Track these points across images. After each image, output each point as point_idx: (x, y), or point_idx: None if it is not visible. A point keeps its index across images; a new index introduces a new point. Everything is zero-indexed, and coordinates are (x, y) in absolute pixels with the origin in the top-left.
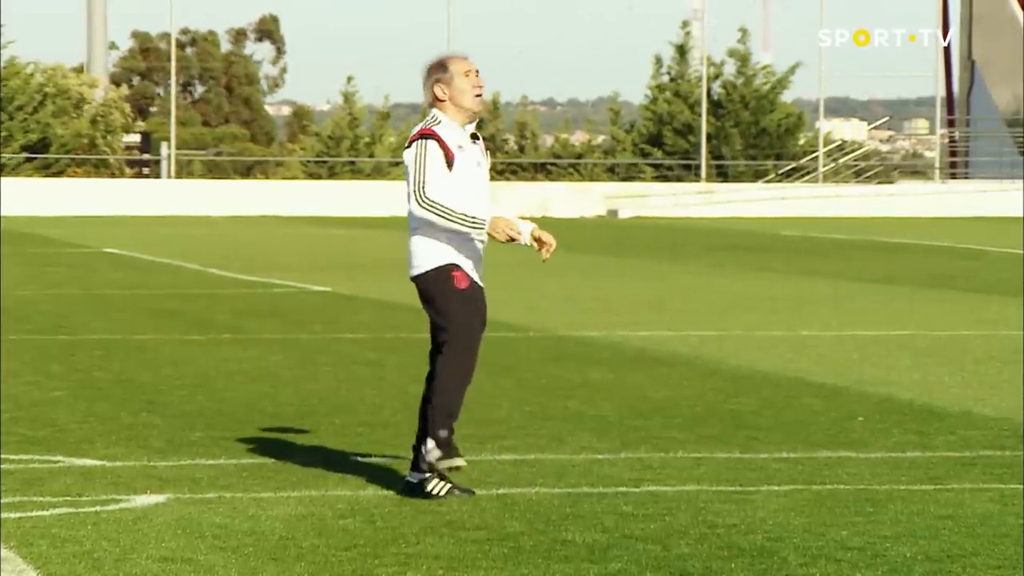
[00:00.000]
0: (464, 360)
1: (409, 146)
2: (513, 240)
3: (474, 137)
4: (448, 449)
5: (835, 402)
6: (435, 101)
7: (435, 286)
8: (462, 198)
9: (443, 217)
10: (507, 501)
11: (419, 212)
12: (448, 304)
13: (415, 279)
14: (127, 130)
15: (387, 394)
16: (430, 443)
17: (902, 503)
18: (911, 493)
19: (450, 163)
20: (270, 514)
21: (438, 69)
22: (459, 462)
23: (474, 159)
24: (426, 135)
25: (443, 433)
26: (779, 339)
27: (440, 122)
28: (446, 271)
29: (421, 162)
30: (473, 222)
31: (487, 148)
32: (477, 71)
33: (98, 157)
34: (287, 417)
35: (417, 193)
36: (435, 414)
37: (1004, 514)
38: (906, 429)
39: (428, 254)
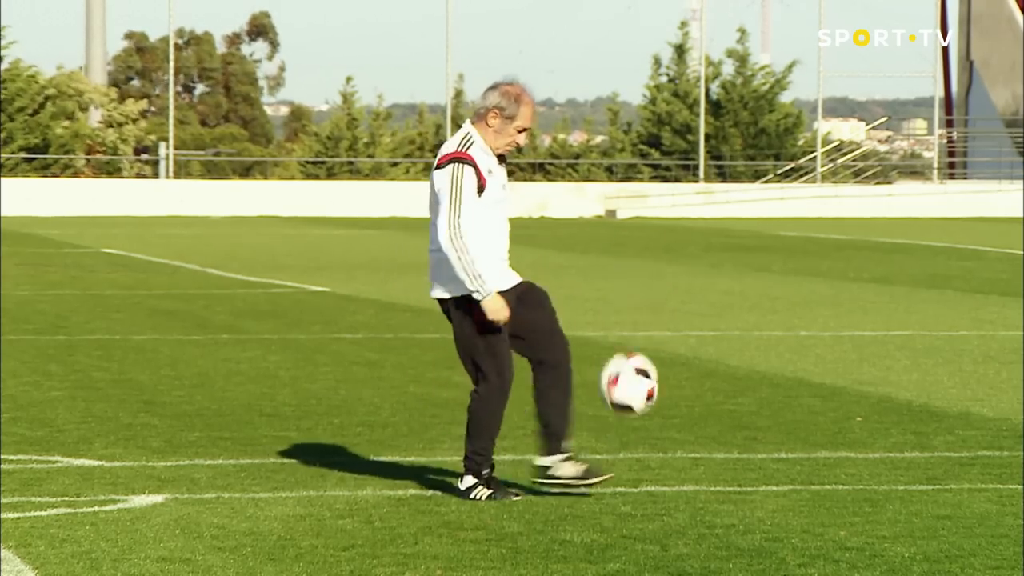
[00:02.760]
0: (500, 397)
1: (442, 167)
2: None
3: (501, 159)
4: (497, 487)
5: (834, 402)
6: (480, 120)
7: (462, 317)
8: (489, 224)
9: (460, 261)
10: (505, 501)
11: (445, 242)
12: (477, 341)
13: (439, 301)
14: (140, 141)
15: (386, 394)
16: (469, 479)
17: (901, 503)
18: (910, 493)
19: (481, 188)
20: (268, 514)
21: (510, 102)
22: (516, 498)
23: (500, 182)
24: (462, 159)
25: (486, 472)
26: (778, 339)
27: (473, 143)
28: (475, 302)
29: (458, 189)
30: (479, 285)
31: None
32: (529, 131)
33: (96, 158)
34: (286, 417)
35: (452, 224)
36: (474, 456)
37: (1003, 514)
38: (905, 429)
39: (455, 279)
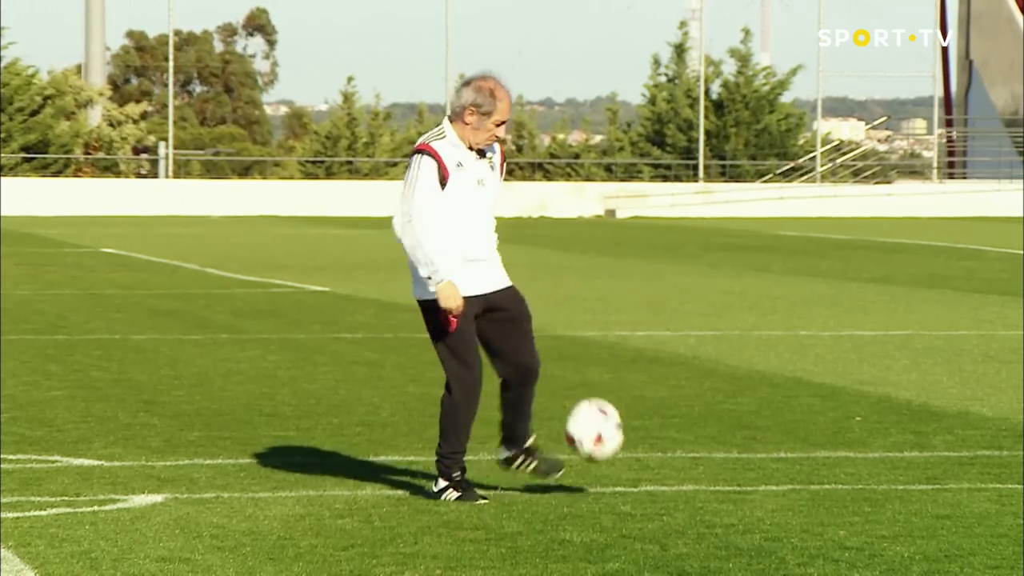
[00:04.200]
0: (465, 401)
1: (411, 156)
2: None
3: (480, 153)
4: (467, 490)
5: (833, 402)
6: (457, 119)
7: (429, 320)
8: (450, 219)
9: (412, 249)
10: (505, 501)
11: (396, 231)
12: (440, 344)
13: (416, 299)
14: (140, 141)
15: (385, 394)
16: (441, 482)
17: (900, 503)
18: (909, 493)
19: (443, 181)
20: (268, 514)
21: (485, 97)
22: (481, 502)
23: (474, 177)
24: (423, 151)
25: (457, 475)
26: (777, 339)
27: (444, 136)
28: (441, 309)
29: (413, 182)
30: (431, 271)
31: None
32: (505, 124)
33: (96, 157)
34: (285, 417)
35: (403, 213)
36: (444, 459)
37: (1002, 514)
38: (904, 429)
39: (418, 279)
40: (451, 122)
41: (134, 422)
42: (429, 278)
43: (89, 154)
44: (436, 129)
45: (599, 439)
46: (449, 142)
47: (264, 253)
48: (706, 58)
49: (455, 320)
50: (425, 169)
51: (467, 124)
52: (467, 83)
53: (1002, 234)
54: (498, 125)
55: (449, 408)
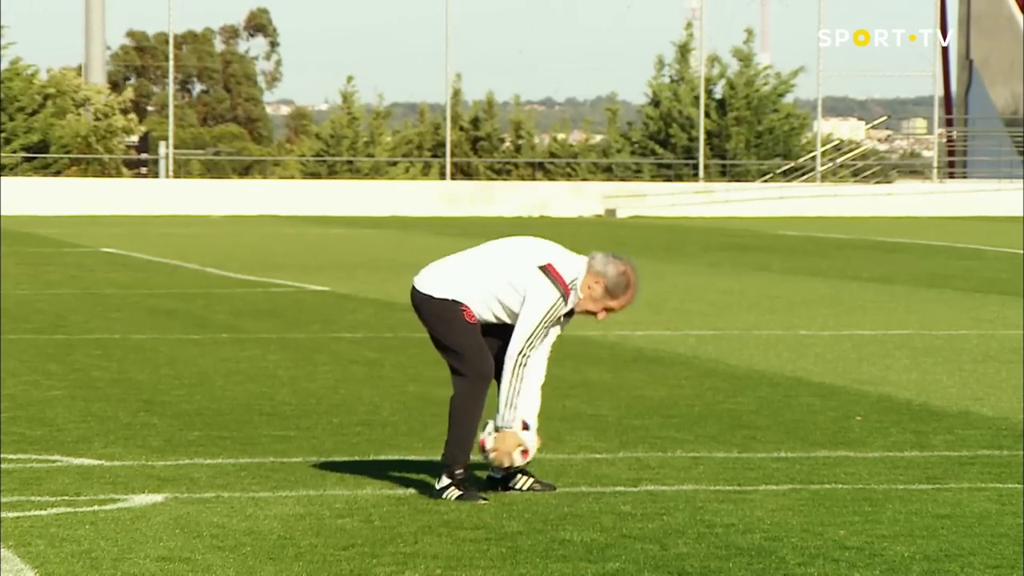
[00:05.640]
0: (482, 390)
1: (553, 282)
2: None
3: (570, 313)
4: (468, 489)
5: (833, 401)
6: (590, 277)
7: (443, 314)
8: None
9: (511, 385)
10: (505, 501)
11: (511, 359)
12: (459, 336)
13: (420, 295)
14: (128, 132)
15: (385, 393)
16: (444, 479)
17: (900, 502)
18: (909, 492)
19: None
20: (268, 513)
21: (619, 285)
22: (481, 502)
23: (555, 331)
24: (565, 296)
25: (460, 473)
26: (777, 338)
27: (577, 287)
28: (456, 303)
29: (547, 319)
30: (510, 416)
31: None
32: (611, 313)
33: (95, 156)
34: (285, 416)
35: (525, 348)
36: (451, 448)
37: (1002, 513)
38: (904, 428)
39: (448, 284)
40: (586, 274)
41: (134, 422)
42: (502, 418)
43: (85, 156)
44: (575, 271)
45: (525, 452)
46: (576, 292)
47: (264, 253)
48: (711, 58)
49: (472, 313)
50: (557, 312)
51: (590, 289)
52: (619, 260)
53: (1002, 234)
54: (607, 310)
55: (471, 391)
